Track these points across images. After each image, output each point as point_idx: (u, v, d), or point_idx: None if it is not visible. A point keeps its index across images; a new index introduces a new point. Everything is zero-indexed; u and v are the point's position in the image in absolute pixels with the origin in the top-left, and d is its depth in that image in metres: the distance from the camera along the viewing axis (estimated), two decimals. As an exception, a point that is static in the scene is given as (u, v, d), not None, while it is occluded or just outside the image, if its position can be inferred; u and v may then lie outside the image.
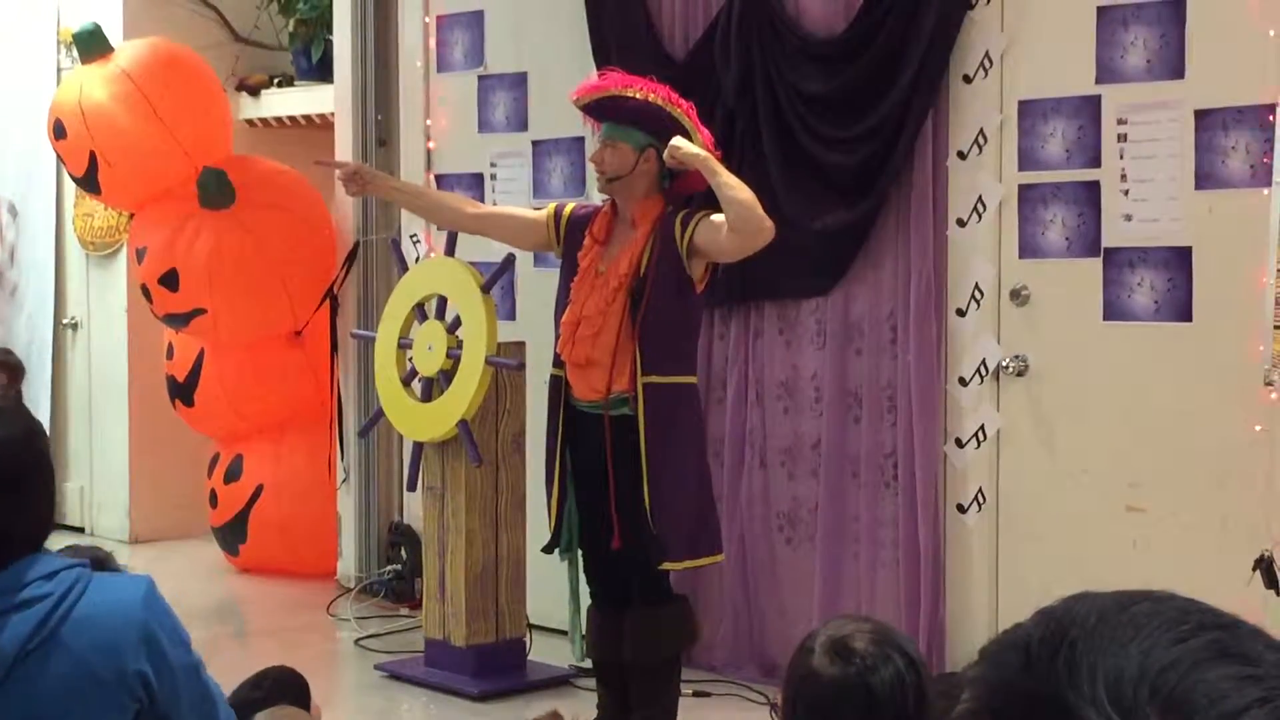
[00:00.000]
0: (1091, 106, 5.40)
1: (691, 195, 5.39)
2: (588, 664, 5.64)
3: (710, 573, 6.21)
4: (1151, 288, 5.29)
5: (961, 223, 5.69)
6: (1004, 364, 5.60)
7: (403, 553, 7.51)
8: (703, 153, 5.03)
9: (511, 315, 6.83)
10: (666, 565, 5.14)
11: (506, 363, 5.94)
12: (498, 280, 5.96)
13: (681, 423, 5.14)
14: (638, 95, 5.14)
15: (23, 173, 9.55)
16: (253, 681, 3.89)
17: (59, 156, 8.27)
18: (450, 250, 6.16)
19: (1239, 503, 5.06)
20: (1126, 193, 5.34)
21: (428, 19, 7.34)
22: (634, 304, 5.08)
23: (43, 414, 8.71)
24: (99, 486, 9.20)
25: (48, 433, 2.49)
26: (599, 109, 5.25)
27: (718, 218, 5.05)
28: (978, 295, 5.67)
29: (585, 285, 5.19)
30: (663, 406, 5.09)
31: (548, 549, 5.42)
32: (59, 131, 7.91)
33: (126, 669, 2.38)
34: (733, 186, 5.02)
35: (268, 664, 4.15)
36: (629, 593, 5.26)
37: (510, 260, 6.08)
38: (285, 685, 3.92)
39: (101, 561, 3.97)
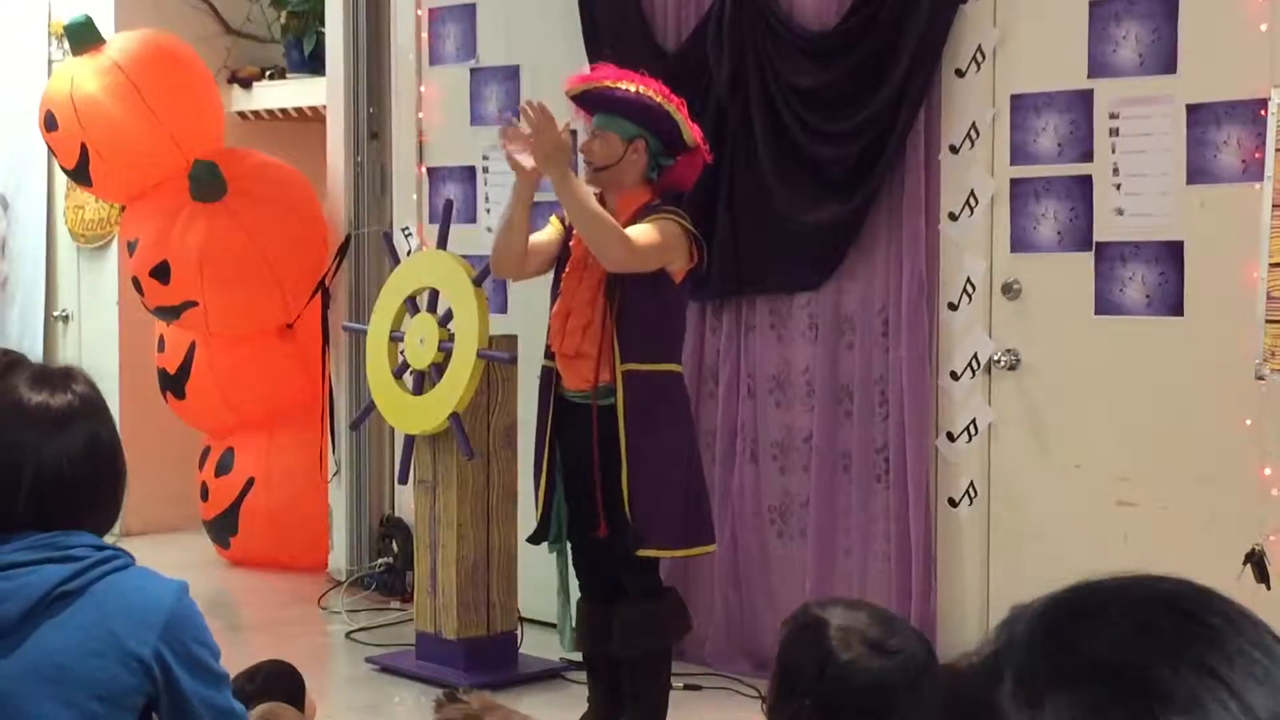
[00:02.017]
0: (1083, 101, 5.40)
1: (681, 192, 5.39)
2: (577, 656, 5.64)
3: (701, 566, 6.21)
4: (1143, 282, 5.29)
5: (953, 217, 5.69)
6: (995, 358, 5.61)
7: (394, 546, 7.50)
8: (557, 165, 4.94)
9: (503, 309, 6.82)
10: (644, 552, 5.12)
11: (498, 356, 5.93)
12: (490, 274, 5.95)
13: (662, 411, 5.13)
14: (629, 88, 5.13)
15: (14, 165, 9.53)
16: (247, 674, 3.88)
17: (50, 148, 8.26)
18: (442, 243, 6.16)
19: (1229, 497, 5.07)
20: (1118, 187, 5.34)
21: (420, 12, 7.33)
22: (610, 295, 5.09)
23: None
24: (90, 479, 9.18)
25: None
26: (590, 100, 5.25)
27: (644, 225, 5.03)
28: (969, 289, 5.67)
29: (574, 277, 5.19)
30: (642, 394, 5.08)
31: (533, 539, 5.42)
32: (50, 123, 7.90)
33: (148, 641, 2.46)
34: (577, 212, 4.97)
35: (259, 657, 4.15)
36: (618, 585, 5.26)
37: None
38: (280, 679, 3.92)
39: None
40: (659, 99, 5.12)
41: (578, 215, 4.98)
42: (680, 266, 5.11)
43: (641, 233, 5.00)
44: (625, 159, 5.14)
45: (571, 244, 5.23)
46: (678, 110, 5.14)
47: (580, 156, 5.30)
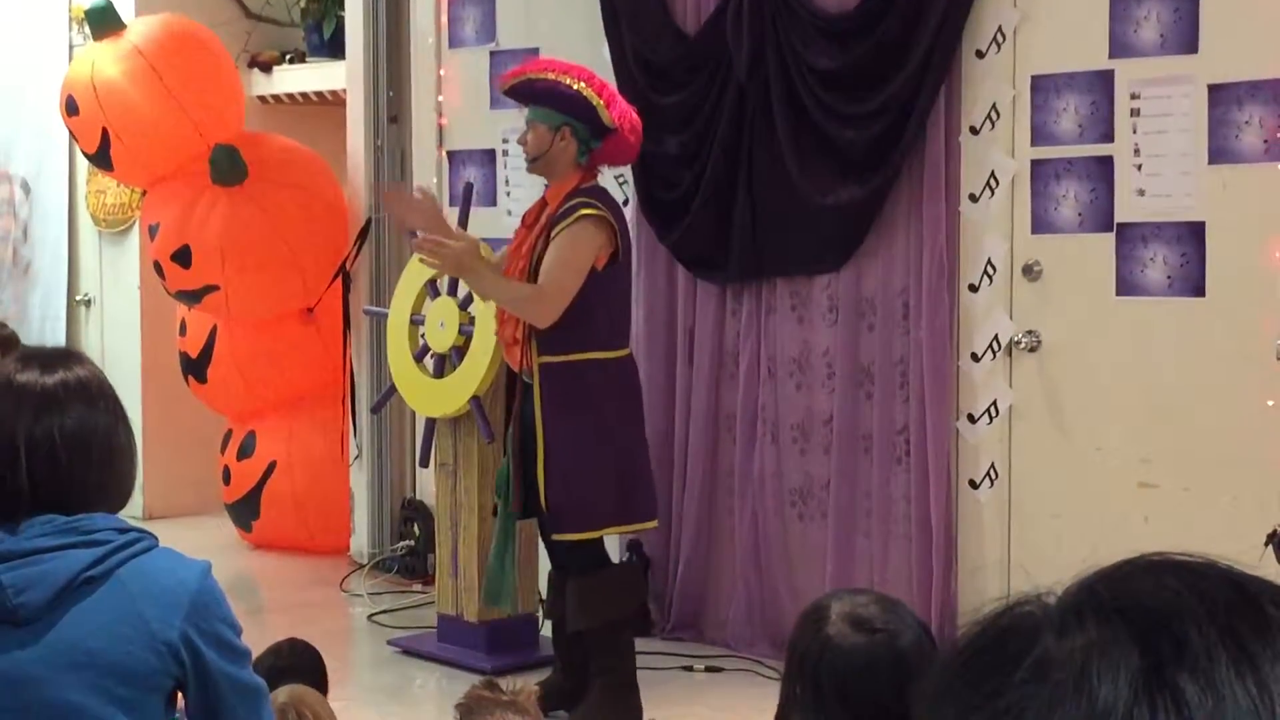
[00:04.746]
0: (1104, 81, 5.38)
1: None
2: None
3: (722, 548, 6.23)
4: (1164, 263, 5.28)
5: (974, 198, 5.68)
6: (1016, 340, 5.60)
7: (415, 529, 7.52)
8: (467, 271, 5.24)
9: (523, 291, 6.83)
10: (559, 537, 5.32)
11: (519, 339, 5.94)
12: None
13: (580, 400, 5.23)
14: (549, 77, 5.27)
15: (35, 150, 9.56)
16: (273, 650, 3.95)
17: (71, 133, 8.28)
18: (463, 226, 6.16)
19: (1251, 478, 5.06)
20: (1139, 168, 5.33)
21: (439, -5, 7.33)
22: None
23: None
24: (112, 463, 9.20)
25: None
26: (519, 94, 5.40)
27: (548, 261, 5.14)
28: (990, 271, 5.66)
29: (511, 270, 5.36)
30: (556, 386, 5.23)
31: (494, 512, 5.62)
32: (71, 108, 7.92)
33: (175, 624, 2.47)
34: (496, 299, 5.29)
35: (280, 639, 4.17)
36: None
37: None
38: (302, 656, 3.97)
39: None
40: (576, 85, 5.23)
41: (497, 300, 5.31)
42: (604, 254, 5.22)
43: (549, 278, 5.15)
44: (554, 147, 5.29)
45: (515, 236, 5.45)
46: (596, 95, 5.24)
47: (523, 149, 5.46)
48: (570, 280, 5.15)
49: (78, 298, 9.41)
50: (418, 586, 7.35)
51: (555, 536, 5.35)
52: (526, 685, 3.11)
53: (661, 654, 6.14)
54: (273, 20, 9.03)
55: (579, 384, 5.24)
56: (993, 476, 5.68)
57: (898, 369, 5.87)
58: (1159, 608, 0.87)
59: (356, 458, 7.87)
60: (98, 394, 2.62)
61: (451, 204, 7.07)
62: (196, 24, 8.05)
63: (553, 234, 5.19)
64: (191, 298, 7.86)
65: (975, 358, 5.70)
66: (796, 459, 6.15)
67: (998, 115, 5.62)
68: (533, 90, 5.32)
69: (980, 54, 5.65)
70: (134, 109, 7.72)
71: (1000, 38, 5.60)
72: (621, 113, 5.29)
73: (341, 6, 8.08)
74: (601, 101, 5.25)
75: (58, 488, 2.52)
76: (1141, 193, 5.32)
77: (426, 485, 7.20)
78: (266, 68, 8.86)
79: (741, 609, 6.25)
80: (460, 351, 6.06)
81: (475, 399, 5.97)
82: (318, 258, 7.80)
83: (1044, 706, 0.85)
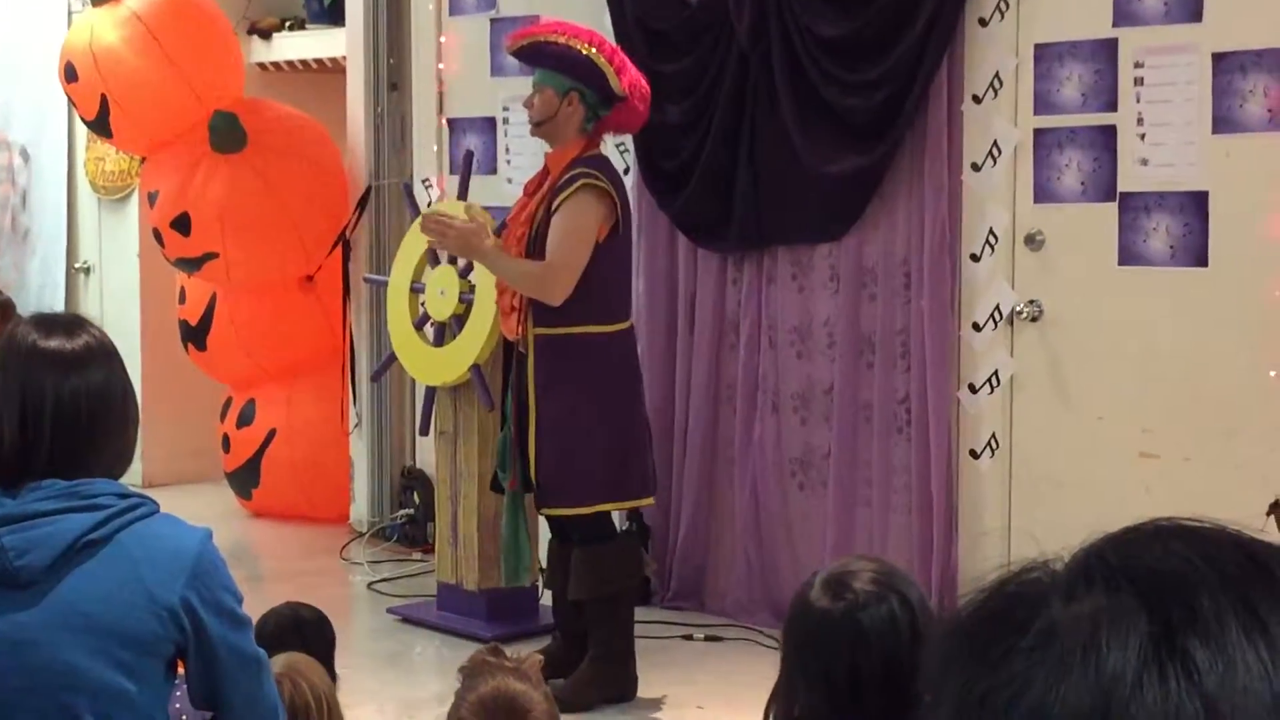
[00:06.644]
0: (1108, 50, 5.36)
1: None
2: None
3: (722, 518, 6.23)
4: (1167, 233, 5.26)
5: (976, 167, 5.66)
6: (1018, 309, 5.58)
7: (415, 497, 7.52)
8: (474, 252, 5.35)
9: (524, 260, 6.81)
10: (546, 511, 5.35)
11: (519, 307, 5.92)
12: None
13: (575, 374, 5.21)
14: (560, 41, 5.21)
15: (34, 117, 9.53)
16: (296, 603, 3.99)
17: (70, 100, 8.25)
18: (463, 194, 6.14)
19: (1253, 448, 5.05)
20: (1143, 137, 5.30)
21: (439, -39, 7.29)
22: (528, 258, 5.24)
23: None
24: (112, 431, 9.20)
25: None
26: (528, 55, 5.36)
27: (570, 207, 5.13)
28: (992, 240, 5.64)
29: (509, 238, 5.36)
30: (550, 358, 5.21)
31: (492, 487, 5.61)
32: (70, 75, 7.89)
33: (176, 589, 2.48)
34: (505, 277, 5.32)
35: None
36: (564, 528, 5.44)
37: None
38: (310, 622, 4.00)
39: None
40: (587, 51, 5.17)
41: (508, 280, 5.30)
42: (604, 226, 5.20)
43: (556, 254, 5.14)
44: (561, 112, 5.25)
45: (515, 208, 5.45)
46: (607, 62, 5.19)
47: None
48: (577, 254, 5.13)
49: (77, 265, 9.40)
50: (417, 555, 7.36)
51: (543, 511, 5.37)
52: (532, 655, 3.11)
53: (661, 623, 6.14)
54: (272, -13, 8.99)
55: (573, 357, 5.22)
56: (994, 446, 5.67)
57: (899, 338, 5.85)
58: (1168, 573, 0.86)
59: (356, 426, 7.86)
60: (115, 358, 2.67)
61: (452, 172, 7.05)
62: (196, -10, 8.02)
63: (554, 204, 5.16)
64: (191, 265, 7.84)
65: (977, 327, 5.69)
66: (797, 428, 6.14)
67: (1000, 84, 5.59)
68: (542, 53, 5.27)
69: (983, 22, 5.62)
70: (133, 75, 7.69)
71: (1004, 6, 5.57)
72: (632, 81, 5.25)
73: (342, -27, 8.05)
74: (613, 69, 5.21)
75: (73, 448, 2.54)
76: (1144, 162, 5.30)
77: (426, 454, 7.19)
78: (266, 34, 8.83)
79: (741, 578, 6.25)
80: (460, 320, 6.05)
81: (475, 367, 5.96)
82: (317, 225, 7.78)
83: (1052, 674, 0.84)
